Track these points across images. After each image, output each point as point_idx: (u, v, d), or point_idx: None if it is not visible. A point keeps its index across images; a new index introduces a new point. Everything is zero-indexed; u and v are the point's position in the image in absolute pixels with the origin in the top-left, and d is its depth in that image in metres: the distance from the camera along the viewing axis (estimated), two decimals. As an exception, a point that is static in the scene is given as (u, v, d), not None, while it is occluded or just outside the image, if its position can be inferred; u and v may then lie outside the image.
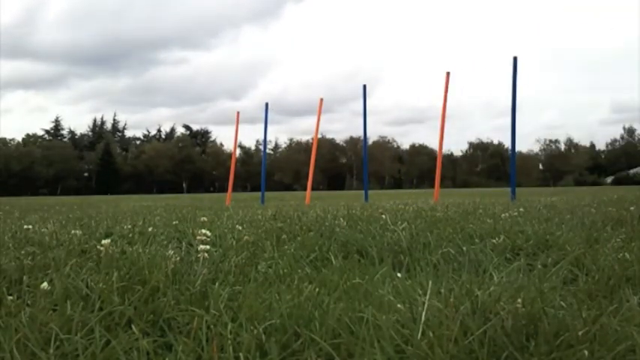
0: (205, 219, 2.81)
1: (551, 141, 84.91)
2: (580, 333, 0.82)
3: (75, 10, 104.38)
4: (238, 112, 7.55)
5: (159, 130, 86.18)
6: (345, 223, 2.30)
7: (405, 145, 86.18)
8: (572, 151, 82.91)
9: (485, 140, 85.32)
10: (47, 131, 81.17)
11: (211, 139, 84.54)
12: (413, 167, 79.96)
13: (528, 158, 79.37)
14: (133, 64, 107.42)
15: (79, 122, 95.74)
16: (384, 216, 2.51)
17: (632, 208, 2.81)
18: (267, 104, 7.32)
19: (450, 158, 76.07)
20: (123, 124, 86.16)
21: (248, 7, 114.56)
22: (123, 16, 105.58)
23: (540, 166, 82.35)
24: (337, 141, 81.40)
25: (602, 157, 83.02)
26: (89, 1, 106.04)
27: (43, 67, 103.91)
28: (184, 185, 73.32)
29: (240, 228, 2.27)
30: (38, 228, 2.34)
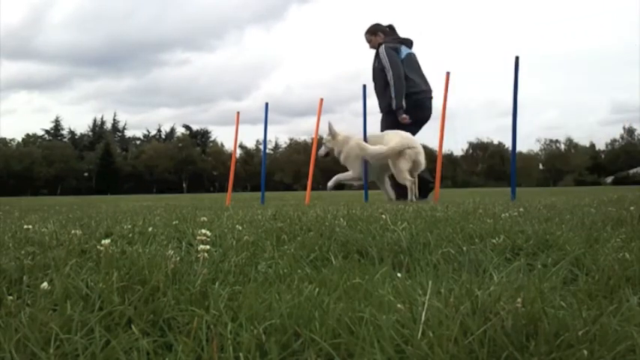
0: (205, 219, 2.81)
1: (551, 141, 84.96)
2: (580, 333, 0.81)
3: (80, 13, 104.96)
4: (238, 113, 7.53)
5: (159, 130, 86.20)
6: (345, 223, 2.30)
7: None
8: (572, 151, 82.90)
9: (485, 140, 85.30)
10: (47, 131, 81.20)
11: (211, 139, 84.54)
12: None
13: (528, 158, 79.36)
14: (136, 65, 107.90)
15: (82, 123, 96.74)
16: (384, 216, 2.50)
17: (632, 208, 2.80)
18: (266, 104, 7.30)
19: (450, 158, 76.09)
20: (123, 124, 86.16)
21: (252, 9, 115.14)
22: (128, 18, 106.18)
23: (540, 166, 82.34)
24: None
25: (602, 157, 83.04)
26: (95, 3, 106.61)
27: (48, 68, 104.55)
28: (184, 185, 73.33)
29: (240, 228, 2.27)
30: (38, 228, 2.33)
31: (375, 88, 5.91)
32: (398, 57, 5.67)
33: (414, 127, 5.72)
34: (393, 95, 5.60)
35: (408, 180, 5.29)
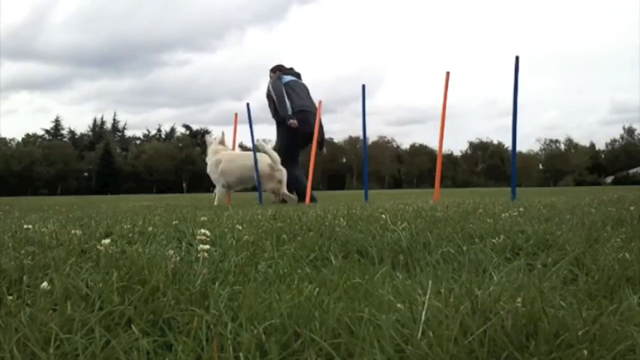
0: (205, 219, 2.81)
1: (551, 141, 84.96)
2: (580, 333, 0.81)
3: (81, 13, 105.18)
4: (236, 114, 7.60)
5: (159, 130, 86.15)
6: (345, 223, 2.30)
7: (405, 145, 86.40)
8: (572, 151, 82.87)
9: (485, 140, 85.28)
10: (47, 131, 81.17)
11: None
12: (413, 167, 79.96)
13: (528, 158, 79.35)
14: (137, 65, 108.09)
15: (82, 123, 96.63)
16: (384, 216, 2.50)
17: (632, 208, 2.81)
18: (247, 104, 7.28)
19: (450, 158, 76.09)
20: (123, 124, 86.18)
21: (253, 9, 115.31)
22: (129, 18, 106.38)
23: (540, 166, 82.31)
24: (337, 141, 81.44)
25: (602, 157, 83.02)
26: (96, 4, 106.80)
27: (49, 68, 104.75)
28: (184, 185, 73.26)
29: (240, 228, 2.27)
30: (38, 228, 2.33)
31: (271, 111, 7.29)
32: (280, 82, 7.10)
33: (302, 138, 6.97)
34: (278, 108, 6.96)
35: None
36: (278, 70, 7.43)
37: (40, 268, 1.39)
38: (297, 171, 6.92)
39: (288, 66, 7.58)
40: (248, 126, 6.84)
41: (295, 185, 6.79)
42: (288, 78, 7.24)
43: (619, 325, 0.85)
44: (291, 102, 7.01)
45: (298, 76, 7.46)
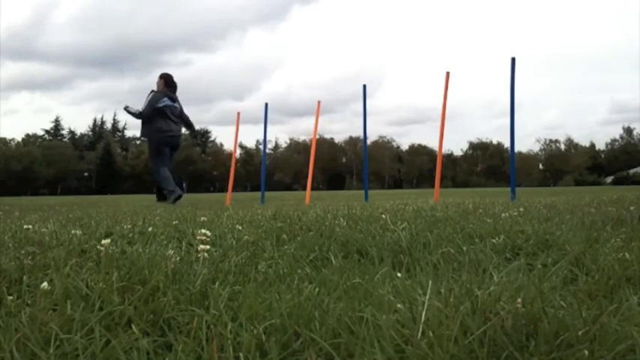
0: (205, 219, 2.81)
1: (551, 141, 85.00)
2: (580, 333, 0.82)
3: (83, 14, 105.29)
4: (239, 113, 7.59)
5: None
6: (345, 223, 2.30)
7: (405, 145, 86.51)
8: (572, 151, 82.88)
9: (484, 140, 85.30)
10: (47, 131, 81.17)
11: (211, 139, 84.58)
12: (413, 167, 80.00)
13: (528, 158, 79.41)
14: (138, 66, 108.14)
15: (83, 123, 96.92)
16: (384, 216, 2.50)
17: (632, 208, 2.81)
18: (266, 104, 7.35)
19: (450, 158, 76.11)
20: (123, 124, 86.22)
21: (255, 9, 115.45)
22: (130, 19, 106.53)
23: (540, 166, 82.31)
24: (337, 141, 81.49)
25: (602, 157, 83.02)
26: (97, 4, 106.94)
27: (50, 68, 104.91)
28: (184, 185, 73.18)
29: (240, 228, 2.27)
30: (38, 228, 2.33)
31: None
32: (157, 103, 7.56)
33: (170, 151, 7.90)
34: (135, 111, 7.51)
35: None
36: (166, 85, 7.84)
37: (40, 268, 1.39)
38: (166, 171, 7.92)
39: (175, 80, 8.01)
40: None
41: (163, 183, 7.86)
42: (166, 102, 7.72)
43: (619, 325, 0.85)
44: (163, 125, 7.66)
45: (176, 99, 7.94)
